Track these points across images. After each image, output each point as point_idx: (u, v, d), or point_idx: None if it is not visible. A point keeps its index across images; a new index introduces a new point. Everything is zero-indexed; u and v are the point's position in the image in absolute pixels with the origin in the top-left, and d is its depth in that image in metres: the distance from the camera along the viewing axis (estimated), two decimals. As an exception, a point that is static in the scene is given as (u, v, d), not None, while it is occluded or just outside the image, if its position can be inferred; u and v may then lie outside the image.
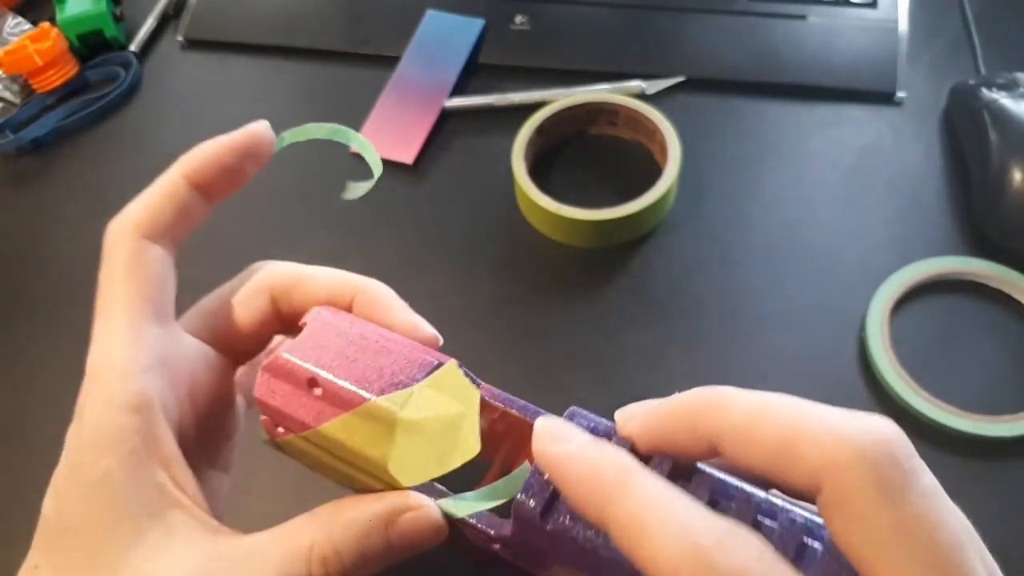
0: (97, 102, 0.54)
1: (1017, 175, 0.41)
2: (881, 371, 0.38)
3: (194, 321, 0.25)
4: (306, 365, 0.22)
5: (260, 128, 0.26)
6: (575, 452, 0.18)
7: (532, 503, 0.20)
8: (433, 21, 0.55)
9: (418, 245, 0.45)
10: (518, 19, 0.54)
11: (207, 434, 0.24)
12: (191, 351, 0.23)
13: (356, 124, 0.51)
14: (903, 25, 0.51)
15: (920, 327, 0.40)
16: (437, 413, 0.22)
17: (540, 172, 0.46)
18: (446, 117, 0.51)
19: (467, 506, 0.22)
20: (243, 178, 0.25)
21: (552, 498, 0.20)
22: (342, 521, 0.20)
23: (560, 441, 0.19)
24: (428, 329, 0.24)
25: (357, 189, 0.29)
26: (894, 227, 0.44)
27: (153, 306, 0.22)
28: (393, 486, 0.21)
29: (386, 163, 0.49)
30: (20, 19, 0.57)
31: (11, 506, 0.38)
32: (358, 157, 0.49)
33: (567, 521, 0.20)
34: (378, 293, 0.25)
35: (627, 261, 0.44)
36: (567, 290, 0.43)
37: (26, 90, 0.55)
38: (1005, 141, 0.42)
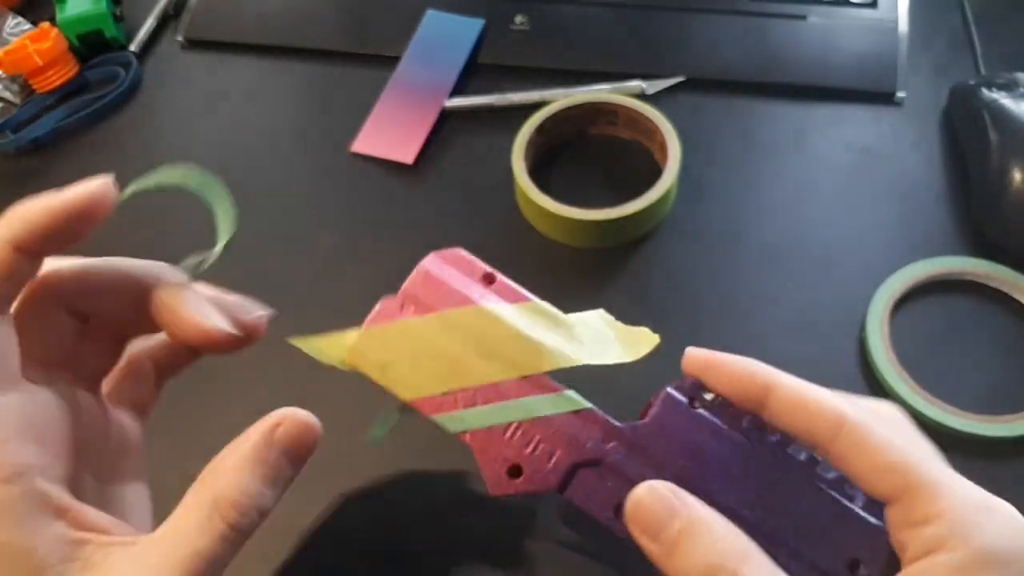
0: (97, 102, 0.54)
1: (1017, 175, 0.41)
2: (881, 371, 0.38)
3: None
4: (483, 265, 0.27)
5: (98, 189, 0.23)
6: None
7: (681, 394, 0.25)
8: (433, 21, 0.55)
9: (418, 245, 0.45)
10: (518, 19, 0.54)
11: (100, 461, 0.24)
12: (44, 398, 0.23)
13: (356, 124, 0.51)
14: (903, 25, 0.51)
15: (920, 327, 0.40)
16: (591, 327, 0.27)
17: (540, 172, 0.46)
18: (446, 117, 0.51)
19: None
20: (76, 238, 0.23)
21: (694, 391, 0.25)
22: (230, 466, 0.22)
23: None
24: (213, 324, 0.24)
25: (193, 266, 0.27)
26: (894, 227, 0.44)
27: (5, 376, 0.21)
28: (532, 369, 0.25)
29: (386, 163, 0.49)
30: (20, 19, 0.57)
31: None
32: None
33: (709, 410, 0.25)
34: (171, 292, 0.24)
35: (627, 261, 0.44)
36: (567, 290, 0.43)
37: (26, 90, 0.55)
38: (1005, 141, 0.42)
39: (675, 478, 0.23)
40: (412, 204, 0.47)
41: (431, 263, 0.27)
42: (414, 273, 0.27)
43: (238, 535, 0.21)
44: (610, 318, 0.28)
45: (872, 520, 0.23)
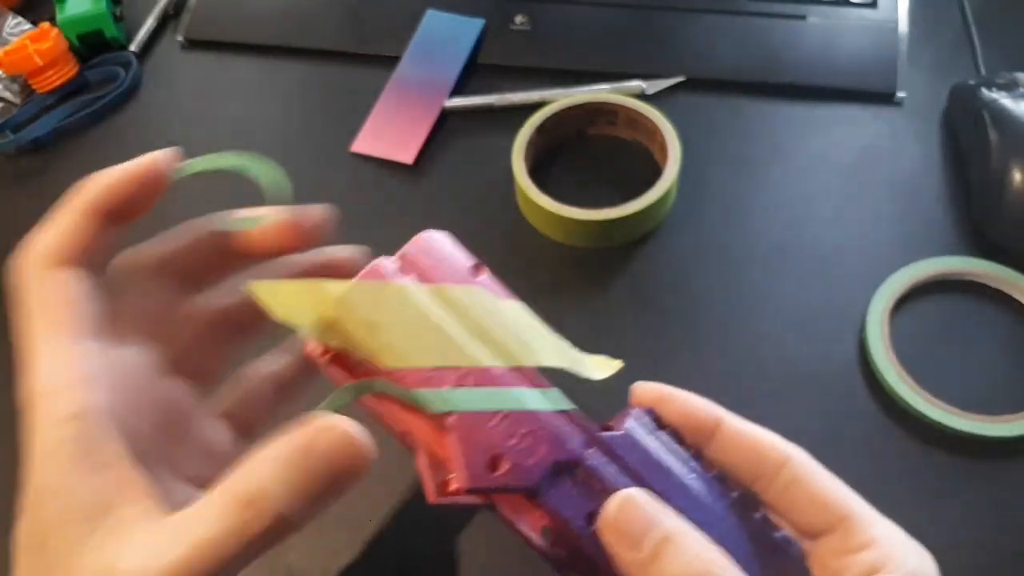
0: (97, 102, 0.54)
1: (1017, 175, 0.41)
2: (881, 371, 0.38)
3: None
4: (470, 256, 0.26)
5: (159, 159, 0.25)
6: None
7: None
8: (433, 21, 0.55)
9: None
10: (518, 19, 0.54)
11: (169, 450, 0.24)
12: (127, 358, 0.23)
13: (356, 124, 0.51)
14: (903, 25, 0.51)
15: (920, 327, 0.40)
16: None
17: (540, 172, 0.46)
18: (446, 117, 0.51)
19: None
20: (146, 204, 0.24)
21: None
22: (258, 460, 0.20)
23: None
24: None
25: (246, 221, 0.27)
26: (894, 227, 0.44)
27: (73, 326, 0.22)
28: (527, 361, 0.24)
29: (386, 163, 0.49)
30: (20, 19, 0.57)
31: (10, 506, 0.38)
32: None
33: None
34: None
35: (627, 261, 0.44)
36: (567, 290, 0.43)
37: (26, 90, 0.55)
38: (1005, 141, 0.42)
39: (648, 490, 0.23)
40: (412, 204, 0.47)
41: (432, 234, 0.25)
42: (414, 240, 0.25)
43: (251, 535, 0.20)
44: (577, 355, 0.28)
45: (793, 554, 0.25)
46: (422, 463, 0.23)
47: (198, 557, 0.19)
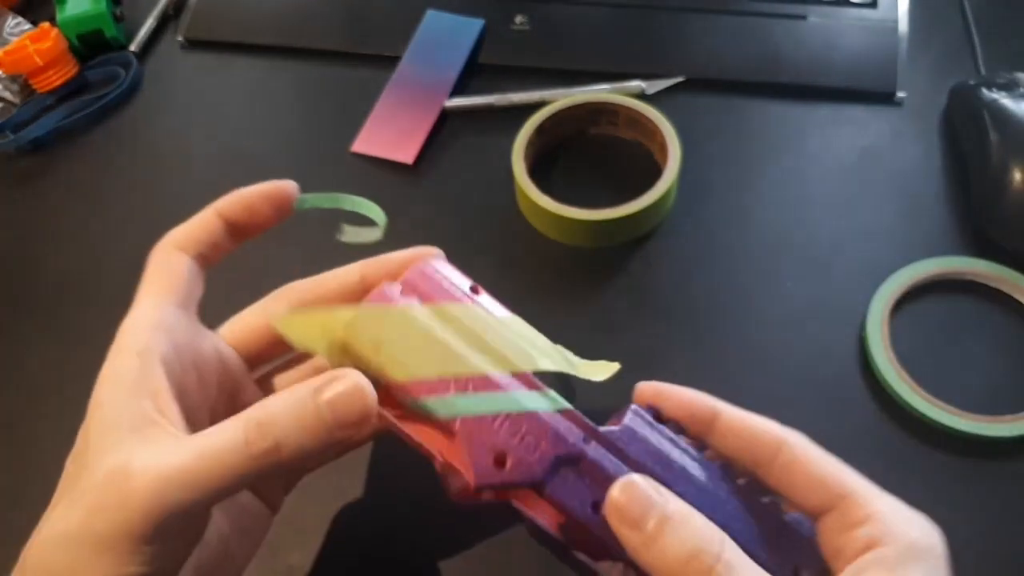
0: (97, 102, 0.54)
1: (1017, 175, 0.41)
2: (881, 371, 0.38)
3: (227, 326, 0.30)
4: (467, 279, 0.28)
5: (286, 184, 0.29)
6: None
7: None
8: (433, 21, 0.55)
9: (418, 245, 0.45)
10: (518, 19, 0.54)
11: (216, 397, 0.28)
12: (200, 337, 0.27)
13: (356, 124, 0.51)
14: (903, 25, 0.51)
15: (920, 327, 0.40)
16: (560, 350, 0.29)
17: (540, 172, 0.46)
18: (446, 117, 0.51)
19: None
20: (264, 224, 0.29)
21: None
22: (274, 396, 0.24)
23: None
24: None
25: (360, 234, 0.32)
26: (894, 227, 0.44)
27: (174, 294, 0.27)
28: (524, 366, 0.26)
29: (386, 163, 0.49)
30: (20, 19, 0.57)
31: (10, 506, 0.38)
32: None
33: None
34: (379, 262, 0.30)
35: (627, 261, 0.44)
36: (567, 290, 0.43)
37: (26, 90, 0.55)
38: (1005, 141, 0.42)
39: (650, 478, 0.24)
40: (412, 204, 0.47)
41: (429, 262, 0.28)
42: (413, 267, 0.28)
43: (251, 452, 0.22)
44: (577, 361, 0.30)
45: (805, 534, 0.26)
46: (439, 468, 0.25)
47: (202, 464, 0.22)
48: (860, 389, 0.39)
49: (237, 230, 0.29)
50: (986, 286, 0.41)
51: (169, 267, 0.27)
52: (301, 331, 0.26)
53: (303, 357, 0.31)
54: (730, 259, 0.44)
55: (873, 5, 0.52)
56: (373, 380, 0.24)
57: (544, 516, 0.25)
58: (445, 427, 0.25)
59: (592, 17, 0.54)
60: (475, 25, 0.54)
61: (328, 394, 0.23)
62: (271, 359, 0.30)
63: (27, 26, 0.56)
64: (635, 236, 0.45)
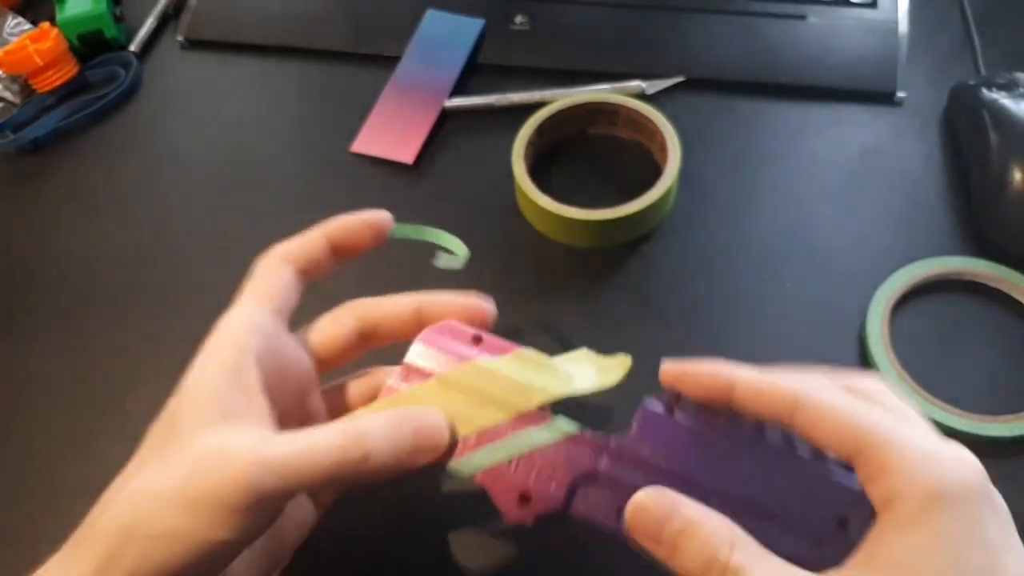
0: (97, 102, 0.54)
1: (1017, 175, 0.41)
2: (881, 371, 0.38)
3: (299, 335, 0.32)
4: (470, 329, 0.30)
5: (383, 213, 0.32)
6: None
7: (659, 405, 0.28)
8: (433, 21, 0.55)
9: (418, 245, 0.45)
10: (518, 19, 0.54)
11: (287, 397, 0.29)
12: (287, 342, 0.30)
13: (356, 124, 0.51)
14: (903, 25, 0.51)
15: (920, 327, 0.40)
16: (573, 361, 0.30)
17: (540, 172, 0.46)
18: (446, 117, 0.51)
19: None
20: (362, 248, 0.32)
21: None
22: (368, 412, 0.27)
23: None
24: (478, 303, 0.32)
25: (450, 260, 0.36)
26: (894, 227, 0.44)
27: (273, 300, 0.29)
28: (524, 406, 0.28)
29: (386, 163, 0.49)
30: (20, 19, 0.57)
31: (10, 506, 0.38)
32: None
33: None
34: (432, 301, 0.32)
35: (627, 261, 0.44)
36: (567, 290, 0.43)
37: (26, 90, 0.55)
38: (1005, 141, 0.42)
39: (666, 478, 0.25)
40: (412, 204, 0.47)
41: (425, 336, 0.30)
42: (412, 346, 0.30)
43: (344, 460, 0.25)
44: (590, 352, 0.31)
45: (849, 481, 0.25)
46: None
47: (301, 459, 0.24)
48: (860, 389, 0.39)
49: (338, 251, 0.32)
50: (986, 286, 0.41)
51: (273, 275, 0.30)
52: None
53: (363, 374, 0.33)
54: (730, 259, 0.44)
55: (873, 5, 0.52)
56: None
57: (602, 516, 0.27)
58: (479, 479, 0.27)
59: (592, 17, 0.54)
60: (475, 25, 0.54)
61: (418, 422, 0.27)
62: (335, 367, 0.32)
63: (27, 26, 0.56)
64: (635, 236, 0.45)
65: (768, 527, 0.24)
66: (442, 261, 0.36)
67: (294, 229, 0.47)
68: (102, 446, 0.39)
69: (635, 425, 0.27)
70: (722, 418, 0.27)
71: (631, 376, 0.30)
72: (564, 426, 0.28)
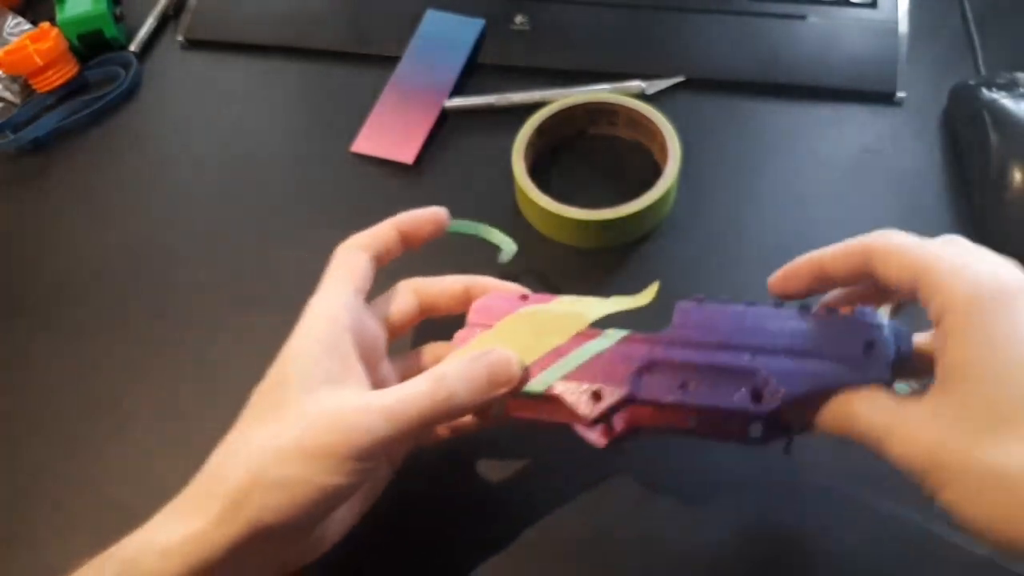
0: (97, 102, 0.54)
1: (1017, 175, 0.41)
2: (881, 371, 0.38)
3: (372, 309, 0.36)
4: (516, 291, 0.36)
5: (443, 210, 0.37)
6: None
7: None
8: (433, 21, 0.55)
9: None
10: (518, 19, 0.54)
11: (365, 364, 0.33)
12: (367, 317, 0.34)
13: (356, 124, 0.51)
14: (903, 25, 0.51)
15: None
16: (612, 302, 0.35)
17: (540, 172, 0.46)
18: (446, 117, 0.51)
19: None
20: (425, 238, 0.37)
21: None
22: (446, 360, 0.32)
23: None
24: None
25: (502, 256, 0.41)
26: (894, 227, 0.44)
27: (354, 282, 0.33)
28: (577, 327, 0.33)
29: (386, 163, 0.49)
30: (20, 19, 0.57)
31: (10, 506, 0.38)
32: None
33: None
34: (478, 282, 0.37)
35: (627, 261, 0.44)
36: (567, 290, 0.43)
37: (26, 90, 0.55)
38: (1005, 141, 0.42)
39: (713, 349, 0.30)
40: (412, 204, 0.47)
41: (480, 302, 0.35)
42: (471, 310, 0.35)
43: (434, 400, 0.29)
44: (623, 299, 0.35)
45: (864, 316, 0.29)
46: (577, 431, 0.32)
47: (401, 406, 0.28)
48: (860, 389, 0.39)
49: (405, 240, 0.36)
50: (986, 286, 0.41)
51: (352, 262, 0.34)
52: None
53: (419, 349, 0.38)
54: (730, 259, 0.44)
55: (873, 5, 0.52)
56: None
57: (674, 421, 0.31)
58: (553, 399, 0.31)
59: (592, 17, 0.54)
60: (475, 25, 0.54)
61: (490, 359, 0.31)
62: (399, 337, 0.37)
63: (27, 26, 0.56)
64: (635, 236, 0.45)
65: (812, 362, 0.28)
66: (501, 257, 0.41)
67: (294, 229, 0.47)
68: (102, 446, 0.39)
69: (675, 319, 0.32)
70: (743, 302, 0.32)
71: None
72: (616, 334, 0.32)
